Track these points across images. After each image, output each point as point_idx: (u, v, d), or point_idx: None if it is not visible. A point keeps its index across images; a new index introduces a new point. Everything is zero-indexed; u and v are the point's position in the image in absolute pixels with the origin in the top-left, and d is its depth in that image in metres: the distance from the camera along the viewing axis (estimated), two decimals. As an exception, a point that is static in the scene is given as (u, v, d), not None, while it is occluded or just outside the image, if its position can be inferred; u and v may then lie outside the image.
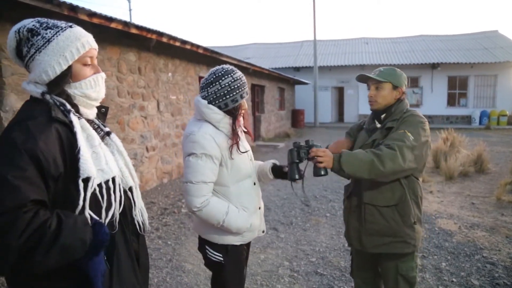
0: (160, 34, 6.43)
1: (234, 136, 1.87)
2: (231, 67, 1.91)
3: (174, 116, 7.92)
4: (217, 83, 1.84)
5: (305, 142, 1.98)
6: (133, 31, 5.69)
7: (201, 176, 1.79)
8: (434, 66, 21.91)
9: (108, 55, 5.80)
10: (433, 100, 22.29)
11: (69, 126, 1.13)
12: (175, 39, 6.97)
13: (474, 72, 21.81)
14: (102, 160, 1.17)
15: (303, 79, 21.14)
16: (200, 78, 9.03)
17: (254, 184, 2.04)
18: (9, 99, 4.15)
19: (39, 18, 1.19)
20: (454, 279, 3.31)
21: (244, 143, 2.01)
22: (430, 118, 22.38)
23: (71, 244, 1.02)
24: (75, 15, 4.34)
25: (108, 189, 1.18)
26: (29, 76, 1.18)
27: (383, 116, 2.13)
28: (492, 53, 21.90)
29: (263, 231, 2.12)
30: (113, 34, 5.74)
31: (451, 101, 22.58)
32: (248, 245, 2.13)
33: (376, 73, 2.11)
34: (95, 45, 1.24)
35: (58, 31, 1.16)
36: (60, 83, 1.17)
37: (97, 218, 1.13)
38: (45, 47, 1.14)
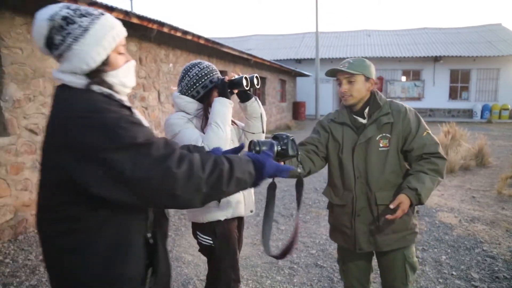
0: (161, 24, 6.38)
1: (206, 119, 2.00)
2: (198, 60, 2.12)
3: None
4: (187, 75, 2.06)
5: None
6: (134, 21, 5.64)
7: (194, 141, 1.88)
8: (436, 59, 21.79)
9: (109, 45, 5.75)
10: (435, 93, 22.22)
11: (130, 109, 1.19)
12: (176, 29, 6.91)
13: (476, 66, 21.71)
14: None
15: (305, 71, 21.04)
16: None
17: None
18: (9, 88, 4.12)
19: (67, 4, 1.15)
20: (454, 272, 3.32)
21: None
22: (432, 111, 22.35)
23: (242, 177, 1.17)
24: (74, 4, 4.30)
25: None
26: (63, 66, 1.13)
27: (366, 111, 2.03)
28: (495, 47, 21.76)
29: (251, 211, 2.21)
30: (114, 24, 5.68)
31: (453, 94, 22.51)
32: (239, 228, 2.20)
33: (345, 65, 1.99)
34: (125, 32, 1.23)
35: (94, 19, 1.12)
36: (99, 73, 1.15)
37: (252, 155, 1.27)
38: (83, 36, 1.10)
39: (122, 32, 1.21)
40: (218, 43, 8.93)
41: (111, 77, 1.17)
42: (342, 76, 2.00)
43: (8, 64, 4.12)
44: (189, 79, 2.04)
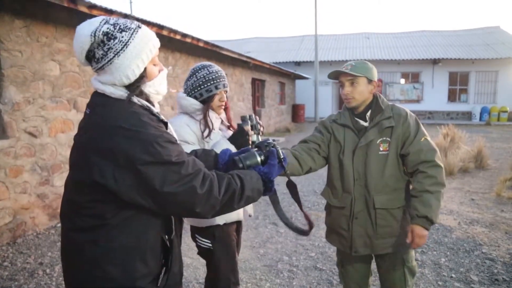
0: (161, 27, 6.39)
1: (206, 123, 2.01)
2: (209, 63, 2.10)
3: (174, 109, 7.90)
4: (194, 75, 2.05)
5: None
6: (133, 23, 5.64)
7: None
8: (435, 62, 21.85)
9: (108, 47, 5.76)
10: (433, 95, 22.26)
11: (166, 124, 1.28)
12: (175, 32, 6.93)
13: (475, 68, 21.75)
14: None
15: (304, 74, 21.08)
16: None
17: None
18: (8, 91, 4.12)
19: (105, 18, 1.20)
20: (453, 275, 3.32)
21: (225, 133, 2.13)
22: (431, 113, 22.37)
23: (251, 195, 1.28)
24: (75, 7, 4.31)
25: None
26: (104, 78, 1.19)
27: (368, 114, 2.03)
28: (493, 49, 21.82)
29: (249, 215, 2.22)
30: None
31: (452, 96, 22.55)
32: (237, 232, 2.21)
33: (348, 68, 2.00)
34: (159, 43, 1.29)
35: (132, 34, 1.18)
36: (138, 84, 1.22)
37: (263, 172, 1.35)
38: (124, 50, 1.16)
39: (157, 43, 1.27)
40: (217, 46, 8.94)
41: (148, 87, 1.25)
42: (345, 78, 2.01)
43: (8, 67, 4.12)
44: (195, 79, 2.05)
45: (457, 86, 22.44)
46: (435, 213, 1.86)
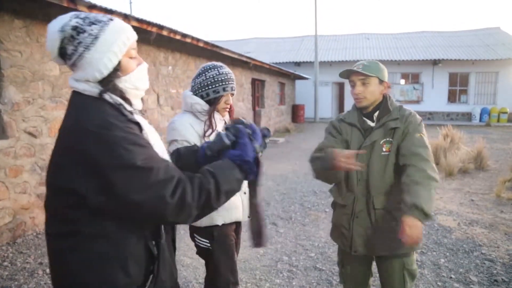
0: (161, 27, 6.40)
1: (210, 124, 2.00)
2: (220, 64, 2.08)
3: (174, 109, 7.90)
4: (204, 74, 2.04)
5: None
6: (133, 24, 5.65)
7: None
8: (435, 62, 21.84)
9: (108, 48, 5.76)
10: (433, 96, 22.26)
11: (139, 125, 1.18)
12: (175, 32, 6.93)
13: (475, 69, 21.75)
14: (161, 152, 1.24)
15: (304, 74, 21.08)
16: (201, 72, 9.00)
17: None
18: (8, 91, 4.12)
19: (76, 13, 1.16)
20: (452, 276, 3.32)
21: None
22: (431, 114, 22.37)
23: (230, 188, 1.21)
24: (74, 7, 4.31)
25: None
26: (77, 75, 1.15)
27: (376, 114, 2.03)
28: (493, 50, 21.83)
29: (248, 216, 2.18)
30: (113, 27, 5.69)
31: (452, 97, 22.55)
32: (237, 232, 2.20)
33: (360, 67, 1.99)
34: (136, 36, 1.24)
35: (103, 26, 1.14)
36: (112, 79, 1.16)
37: (235, 156, 1.26)
38: (94, 44, 1.12)
39: (133, 35, 1.22)
40: (217, 46, 8.94)
41: (124, 82, 1.19)
42: (357, 78, 2.00)
43: (7, 67, 4.12)
44: (204, 78, 2.03)
45: (457, 87, 22.43)
46: (426, 203, 1.73)
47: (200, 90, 2.04)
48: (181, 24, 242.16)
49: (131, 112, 1.19)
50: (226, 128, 1.36)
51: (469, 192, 6.18)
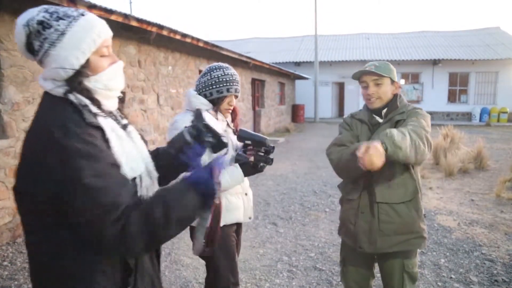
0: (161, 27, 6.39)
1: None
2: (226, 64, 2.09)
3: (174, 109, 7.90)
4: (209, 74, 2.05)
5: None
6: (133, 23, 5.65)
7: None
8: (435, 62, 21.85)
9: (108, 47, 5.76)
10: (433, 96, 22.27)
11: (101, 130, 1.08)
12: (175, 32, 6.93)
13: (475, 69, 21.76)
14: (131, 159, 1.15)
15: (304, 74, 21.08)
16: (200, 71, 8.96)
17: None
18: (8, 91, 4.12)
19: (47, 6, 1.09)
20: (452, 276, 3.32)
21: (230, 135, 2.11)
22: (431, 114, 22.03)
23: (183, 215, 1.06)
24: (74, 7, 4.30)
25: (135, 186, 1.15)
26: (45, 72, 1.10)
27: (384, 110, 2.05)
28: (493, 50, 21.83)
29: (249, 218, 2.20)
30: (113, 27, 5.62)
31: (452, 97, 22.55)
32: (237, 233, 2.20)
33: (372, 68, 1.99)
34: (109, 33, 1.17)
35: (71, 22, 1.07)
36: (79, 78, 1.09)
37: (192, 175, 1.11)
38: (60, 40, 1.05)
39: (105, 32, 1.14)
40: (217, 46, 8.94)
41: (94, 81, 1.12)
42: (370, 78, 2.00)
43: (7, 66, 4.11)
44: (209, 78, 2.04)
45: (457, 86, 22.44)
46: (398, 136, 1.68)
47: (203, 89, 2.04)
48: (181, 24, 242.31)
49: (95, 115, 1.09)
50: (192, 125, 1.27)
51: (469, 192, 6.18)
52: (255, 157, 1.77)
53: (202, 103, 2.01)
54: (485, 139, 9.38)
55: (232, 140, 2.12)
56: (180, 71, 8.18)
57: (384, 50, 24.11)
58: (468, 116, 21.82)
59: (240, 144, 2.18)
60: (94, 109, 1.10)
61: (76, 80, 1.09)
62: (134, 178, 1.14)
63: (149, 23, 6.04)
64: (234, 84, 2.05)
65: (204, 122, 1.27)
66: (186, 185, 1.08)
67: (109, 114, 1.18)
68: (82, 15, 1.11)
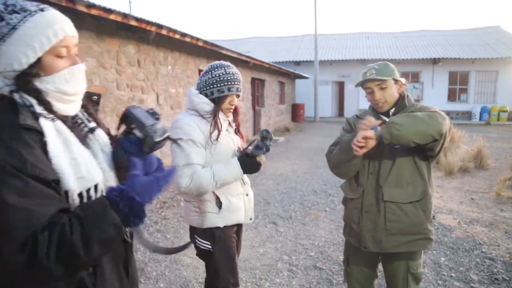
0: (160, 26, 6.39)
1: (215, 125, 1.98)
2: (228, 63, 2.07)
3: (174, 109, 7.89)
4: (210, 72, 2.01)
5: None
6: (133, 23, 5.64)
7: (186, 159, 1.89)
8: (435, 61, 21.85)
9: (107, 47, 5.76)
10: (433, 95, 22.26)
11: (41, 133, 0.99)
12: (174, 31, 6.92)
13: (475, 68, 21.76)
14: (82, 167, 1.05)
15: (304, 73, 21.07)
16: (200, 71, 8.99)
17: None
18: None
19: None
20: (453, 274, 3.31)
21: (231, 134, 2.12)
22: (430, 113, 22.37)
23: (103, 236, 0.96)
24: (73, 6, 4.30)
25: (89, 197, 1.06)
26: None
27: (392, 110, 2.02)
28: (493, 49, 21.83)
29: (250, 219, 2.20)
30: (112, 26, 5.69)
31: (452, 96, 22.56)
32: (238, 233, 2.19)
33: (373, 73, 1.97)
34: (72, 32, 1.08)
35: (26, 16, 1.00)
36: (28, 77, 1.01)
37: (110, 193, 1.01)
38: (10, 35, 0.98)
39: (65, 31, 1.06)
40: (216, 45, 8.93)
41: (45, 83, 1.04)
42: (373, 84, 1.98)
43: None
44: (210, 76, 2.00)
45: (457, 85, 22.44)
46: (401, 119, 1.76)
47: (205, 88, 2.01)
48: (181, 23, 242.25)
49: (38, 117, 1.01)
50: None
51: (469, 191, 6.18)
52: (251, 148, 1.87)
53: (203, 102, 1.98)
54: (485, 138, 9.37)
55: (234, 140, 2.11)
56: (180, 70, 8.17)
57: (384, 49, 24.10)
58: (468, 115, 21.82)
59: (240, 141, 2.18)
60: (39, 109, 1.02)
61: (25, 79, 1.02)
62: (89, 189, 1.06)
63: (148, 23, 6.03)
64: (236, 83, 2.03)
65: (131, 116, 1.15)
66: (106, 203, 0.98)
67: (64, 117, 1.10)
68: (42, 10, 1.03)
